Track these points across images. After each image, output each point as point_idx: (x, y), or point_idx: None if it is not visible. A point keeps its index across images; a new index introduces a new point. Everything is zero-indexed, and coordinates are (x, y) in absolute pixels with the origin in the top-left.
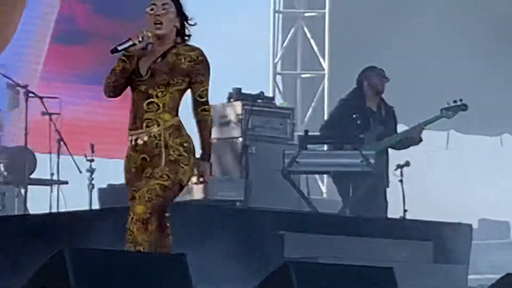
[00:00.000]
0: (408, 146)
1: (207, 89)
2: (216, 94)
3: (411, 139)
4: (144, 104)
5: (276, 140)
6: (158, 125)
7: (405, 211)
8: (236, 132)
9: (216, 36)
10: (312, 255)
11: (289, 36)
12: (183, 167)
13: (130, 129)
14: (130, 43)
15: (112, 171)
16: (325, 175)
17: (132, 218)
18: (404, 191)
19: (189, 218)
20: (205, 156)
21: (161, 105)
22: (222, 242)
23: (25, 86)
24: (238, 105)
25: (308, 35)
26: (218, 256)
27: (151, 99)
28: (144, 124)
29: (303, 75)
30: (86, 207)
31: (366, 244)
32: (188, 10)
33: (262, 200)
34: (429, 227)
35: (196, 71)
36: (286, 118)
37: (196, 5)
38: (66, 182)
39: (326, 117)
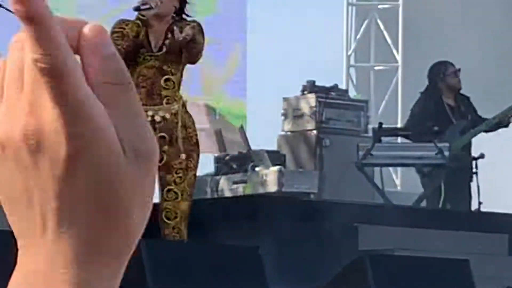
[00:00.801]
0: (497, 129)
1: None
2: (290, 87)
3: (501, 122)
4: (162, 81)
5: (350, 132)
6: (176, 103)
7: (480, 203)
8: (310, 124)
9: (290, 29)
10: (387, 247)
11: (362, 28)
12: (199, 148)
13: (143, 105)
14: (148, 6)
15: None
16: (398, 168)
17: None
18: (479, 183)
19: (263, 211)
20: None
21: (176, 82)
22: (296, 234)
23: None
24: (312, 98)
25: (382, 27)
26: (292, 248)
27: (168, 76)
28: (164, 101)
29: (376, 68)
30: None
31: (441, 236)
32: (263, 3)
33: (336, 193)
34: (505, 219)
35: (197, 34)
36: (360, 111)
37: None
38: None
39: (408, 117)
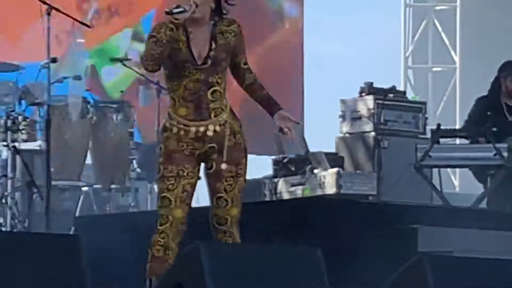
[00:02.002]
0: None
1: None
2: (348, 89)
3: None
4: (209, 94)
5: (408, 134)
6: (224, 112)
7: None
8: (368, 126)
9: (347, 30)
10: (447, 248)
11: (420, 29)
12: (247, 153)
13: (191, 120)
14: (181, 9)
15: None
16: (457, 169)
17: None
18: None
19: (321, 213)
20: (278, 105)
21: (222, 91)
22: (355, 236)
23: (157, 82)
24: (370, 100)
25: (439, 28)
26: (351, 249)
27: (214, 87)
28: (213, 114)
29: (434, 69)
30: None
31: (500, 237)
32: (320, 6)
33: (395, 194)
34: None
35: (239, 43)
36: (418, 112)
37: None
38: (199, 178)
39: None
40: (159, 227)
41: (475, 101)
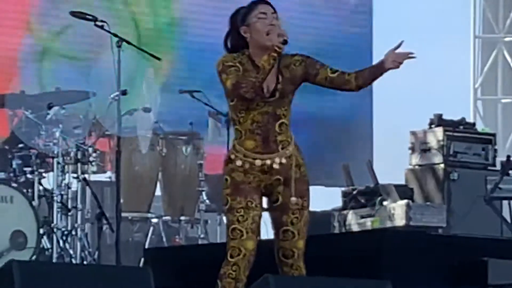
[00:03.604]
0: None
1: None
2: (418, 120)
3: None
4: (276, 126)
5: (478, 166)
6: (290, 145)
7: None
8: (437, 158)
9: (416, 61)
10: None
11: (489, 61)
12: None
13: (258, 152)
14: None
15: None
16: None
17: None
18: None
19: (391, 245)
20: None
21: (288, 123)
22: (425, 269)
23: (226, 114)
24: (439, 131)
25: (509, 59)
26: (421, 282)
27: (282, 120)
28: (280, 147)
29: (503, 100)
30: None
31: None
32: (389, 35)
33: (465, 227)
34: None
35: (309, 65)
36: (487, 144)
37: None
38: (265, 209)
39: None
40: (230, 259)
41: None
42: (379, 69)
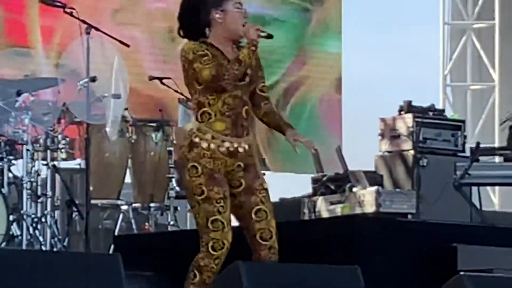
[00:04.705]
0: None
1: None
2: (387, 107)
3: None
4: (243, 111)
5: (447, 152)
6: (251, 132)
7: None
8: (407, 145)
9: (385, 48)
10: (486, 267)
11: (458, 47)
12: None
13: (228, 135)
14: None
15: (283, 185)
16: (496, 187)
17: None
18: None
19: (360, 231)
20: (289, 124)
21: (250, 112)
22: (394, 255)
23: None
24: (409, 118)
25: (478, 46)
26: (390, 268)
27: (247, 106)
28: (245, 132)
29: (473, 87)
30: None
31: None
32: (358, 23)
33: (434, 213)
34: None
35: (258, 66)
36: (457, 130)
37: (367, 18)
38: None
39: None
40: (213, 252)
41: None
42: (281, 131)
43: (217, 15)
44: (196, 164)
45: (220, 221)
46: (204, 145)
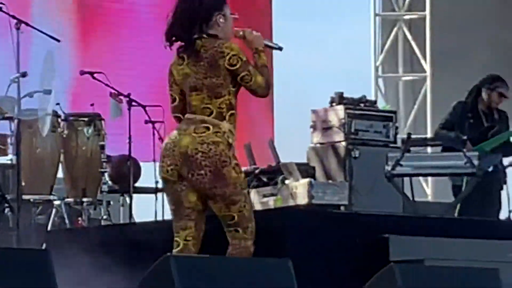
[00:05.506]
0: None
1: None
2: (318, 99)
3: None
4: None
5: (379, 143)
6: None
7: (510, 211)
8: (339, 136)
9: (317, 40)
10: (418, 257)
11: (390, 39)
12: None
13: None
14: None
15: None
16: (429, 178)
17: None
18: (509, 192)
19: (292, 223)
20: None
21: None
22: (326, 246)
23: (128, 95)
24: (340, 110)
25: (409, 37)
26: (322, 260)
27: None
28: None
29: (404, 78)
30: None
31: (472, 245)
32: (290, 15)
33: (367, 204)
34: None
35: None
36: (389, 121)
37: (298, 10)
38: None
39: (441, 121)
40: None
41: (454, 105)
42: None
43: (221, 20)
44: (237, 162)
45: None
46: (233, 145)
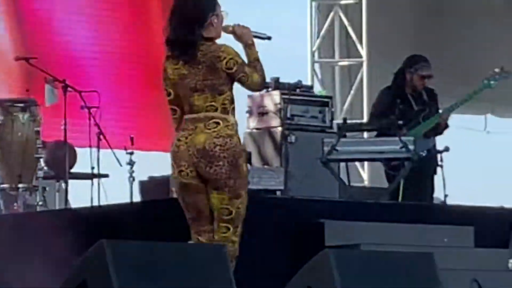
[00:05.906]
0: (438, 134)
1: None
2: None
3: (439, 127)
4: None
5: (315, 128)
6: None
7: (445, 196)
8: (275, 121)
9: (252, 25)
10: (353, 242)
11: (326, 24)
12: None
13: None
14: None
15: (153, 164)
16: (365, 162)
17: None
18: (444, 176)
19: None
20: None
21: None
22: (262, 231)
23: (63, 81)
24: (276, 95)
25: (346, 22)
26: (258, 245)
27: None
28: None
29: (341, 63)
30: (127, 200)
31: (407, 230)
32: (226, 1)
33: (302, 189)
34: (470, 211)
35: None
36: (325, 107)
37: None
38: (106, 176)
39: (371, 110)
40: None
41: (380, 92)
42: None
43: (215, 20)
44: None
45: None
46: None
